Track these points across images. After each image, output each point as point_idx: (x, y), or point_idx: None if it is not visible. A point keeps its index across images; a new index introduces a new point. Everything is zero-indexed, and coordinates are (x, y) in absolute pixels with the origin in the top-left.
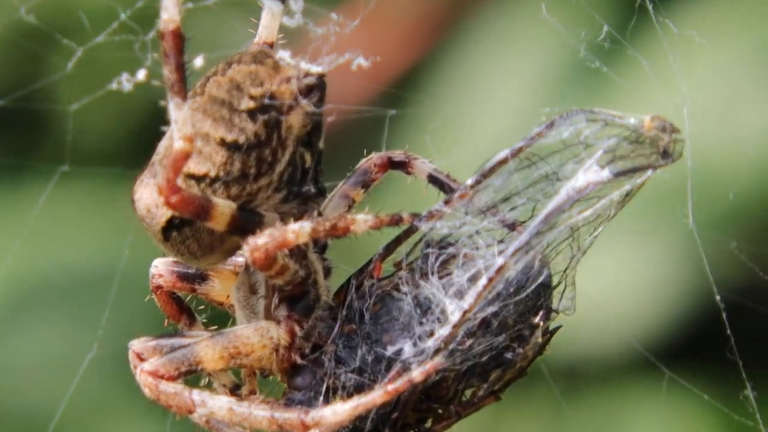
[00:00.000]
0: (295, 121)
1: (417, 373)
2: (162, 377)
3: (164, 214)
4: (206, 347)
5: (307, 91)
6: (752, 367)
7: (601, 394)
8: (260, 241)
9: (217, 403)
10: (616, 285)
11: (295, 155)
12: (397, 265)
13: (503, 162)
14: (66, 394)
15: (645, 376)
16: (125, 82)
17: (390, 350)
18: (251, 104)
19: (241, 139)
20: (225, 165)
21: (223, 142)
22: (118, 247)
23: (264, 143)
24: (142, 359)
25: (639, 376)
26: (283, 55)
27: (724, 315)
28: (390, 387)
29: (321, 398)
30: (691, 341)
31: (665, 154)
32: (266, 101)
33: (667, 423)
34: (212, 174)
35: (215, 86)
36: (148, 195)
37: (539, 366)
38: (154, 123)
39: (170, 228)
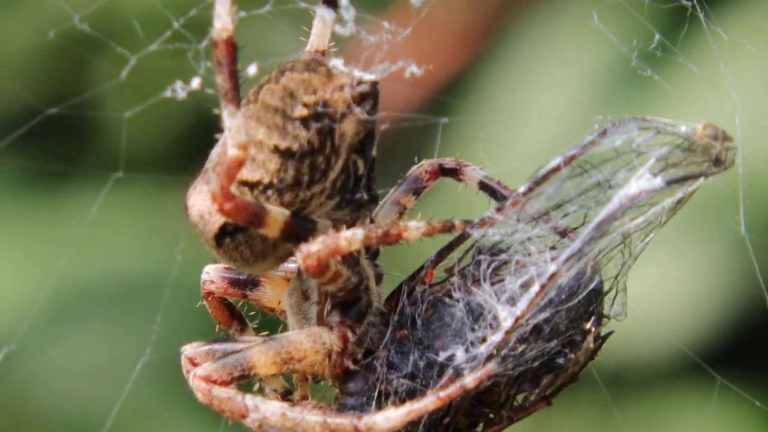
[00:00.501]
0: (348, 128)
1: (469, 380)
2: (215, 382)
3: (217, 220)
4: (259, 352)
5: (360, 99)
6: None
7: (650, 400)
8: (313, 248)
9: (270, 408)
10: (667, 291)
11: (348, 162)
12: (449, 272)
13: (556, 170)
14: (117, 399)
15: (695, 382)
16: (179, 90)
17: (442, 356)
18: (304, 112)
19: (295, 147)
20: (278, 172)
21: (276, 150)
22: (170, 254)
23: (317, 151)
24: (194, 364)
25: (688, 382)
26: (337, 62)
27: None
28: (442, 393)
29: (373, 403)
30: (742, 347)
31: (717, 162)
32: (319, 109)
33: (716, 429)
34: (266, 181)
35: (269, 94)
36: (202, 202)
37: (589, 370)
38: (206, 131)
39: (223, 234)
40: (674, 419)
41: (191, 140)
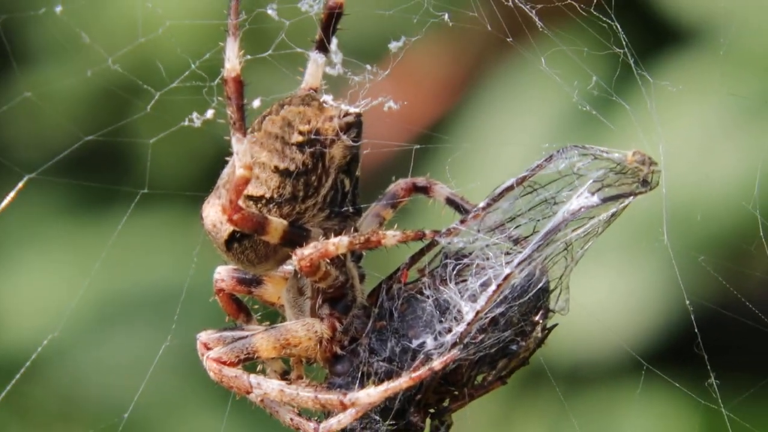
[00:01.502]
0: (336, 152)
1: (437, 363)
2: (224, 363)
3: (227, 229)
4: (261, 339)
5: (346, 128)
6: (716, 360)
7: (599, 394)
8: (306, 251)
9: (270, 386)
10: (607, 296)
11: (337, 181)
12: (421, 272)
13: (510, 189)
14: (149, 389)
15: (632, 373)
16: (195, 120)
17: (415, 343)
18: (300, 138)
19: (292, 167)
20: (278, 188)
21: (276, 170)
22: (200, 265)
23: (311, 171)
24: (208, 348)
25: (627, 373)
26: (327, 98)
27: (692, 316)
28: (414, 374)
29: (357, 383)
30: (668, 340)
31: (645, 183)
32: (313, 136)
33: (650, 411)
34: (268, 196)
35: (270, 123)
36: (214, 213)
37: (544, 369)
38: (219, 155)
39: (232, 240)
40: (619, 410)
41: (208, 163)
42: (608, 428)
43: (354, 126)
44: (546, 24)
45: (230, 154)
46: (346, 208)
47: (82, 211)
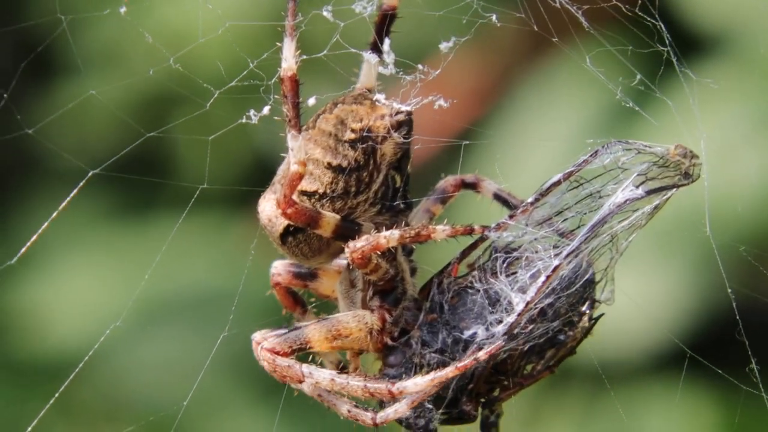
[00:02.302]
0: (387, 149)
1: (482, 353)
2: (278, 353)
3: (282, 223)
4: (314, 330)
5: (397, 126)
6: (757, 347)
7: (639, 380)
8: (358, 244)
9: (322, 375)
10: (651, 288)
11: (388, 177)
12: (471, 267)
13: (557, 184)
14: (190, 389)
15: (676, 362)
16: (253, 117)
17: (466, 334)
18: (353, 136)
19: (345, 164)
20: (331, 184)
21: (330, 166)
22: (234, 270)
23: (363, 167)
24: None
25: (670, 363)
26: (379, 96)
27: (734, 304)
28: (460, 364)
29: (411, 374)
30: (710, 328)
31: (686, 176)
32: (365, 133)
33: (690, 400)
34: (321, 191)
35: (324, 121)
36: (270, 208)
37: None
38: (274, 152)
39: (287, 234)
40: (659, 401)
41: (245, 167)
42: (646, 422)
43: (405, 124)
44: (591, 24)
45: (285, 151)
46: (397, 204)
47: (129, 213)
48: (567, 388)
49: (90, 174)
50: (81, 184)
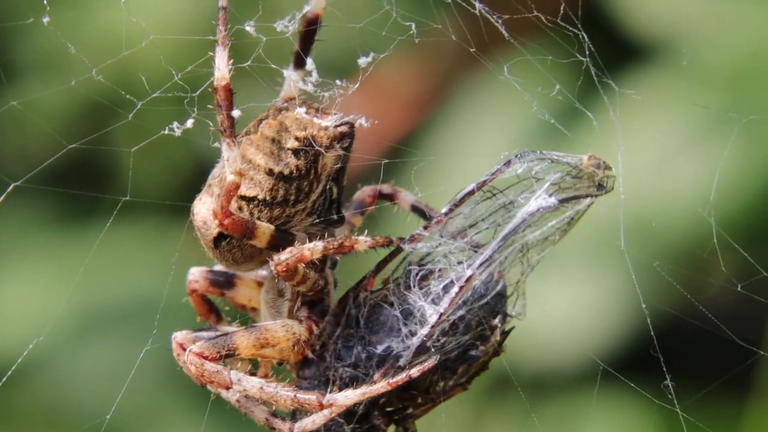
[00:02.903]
0: (329, 160)
1: (414, 371)
2: (206, 358)
3: (217, 227)
4: (242, 336)
5: (340, 137)
6: (672, 363)
7: (561, 395)
8: (282, 257)
9: (251, 383)
10: (568, 302)
11: (326, 188)
12: (386, 282)
13: (471, 193)
14: (128, 395)
15: (595, 378)
16: (176, 129)
17: (379, 348)
18: (296, 144)
19: (286, 171)
20: (272, 191)
21: (271, 172)
22: (163, 278)
23: (303, 176)
24: (183, 348)
25: (590, 378)
26: (300, 110)
27: (648, 320)
28: (392, 380)
29: (323, 387)
30: (627, 344)
31: (600, 187)
32: (308, 143)
33: (610, 414)
34: (260, 197)
35: (267, 127)
36: (205, 210)
37: (509, 374)
38: (199, 167)
39: (220, 239)
40: (582, 414)
41: (187, 175)
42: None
43: (347, 136)
44: (512, 34)
45: (213, 162)
46: (331, 215)
47: (66, 221)
48: (506, 396)
49: (11, 186)
50: (2, 197)
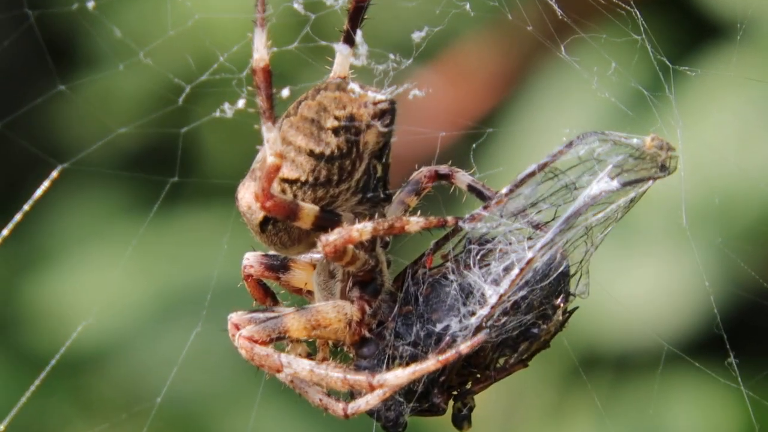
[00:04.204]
0: (370, 138)
1: (464, 347)
2: (256, 342)
3: (259, 209)
4: (293, 319)
5: (380, 114)
6: (737, 341)
7: (638, 379)
8: (330, 238)
9: (301, 365)
10: (636, 283)
11: (369, 166)
12: (445, 257)
13: (531, 174)
14: (206, 381)
15: (663, 359)
16: (227, 110)
17: (438, 327)
18: (335, 123)
19: (327, 151)
20: (313, 172)
21: (312, 153)
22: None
23: (345, 155)
24: (238, 329)
25: (657, 360)
26: (354, 86)
27: (711, 297)
28: (441, 357)
29: (383, 366)
30: (692, 323)
31: (663, 168)
32: (347, 122)
33: (682, 396)
34: (303, 179)
35: (306, 108)
36: (249, 195)
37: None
38: (254, 143)
39: (266, 222)
40: (657, 396)
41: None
42: (649, 415)
43: (387, 113)
44: (566, 12)
45: (261, 142)
46: (377, 194)
47: (142, 207)
48: (589, 378)
49: (59, 168)
50: (53, 174)
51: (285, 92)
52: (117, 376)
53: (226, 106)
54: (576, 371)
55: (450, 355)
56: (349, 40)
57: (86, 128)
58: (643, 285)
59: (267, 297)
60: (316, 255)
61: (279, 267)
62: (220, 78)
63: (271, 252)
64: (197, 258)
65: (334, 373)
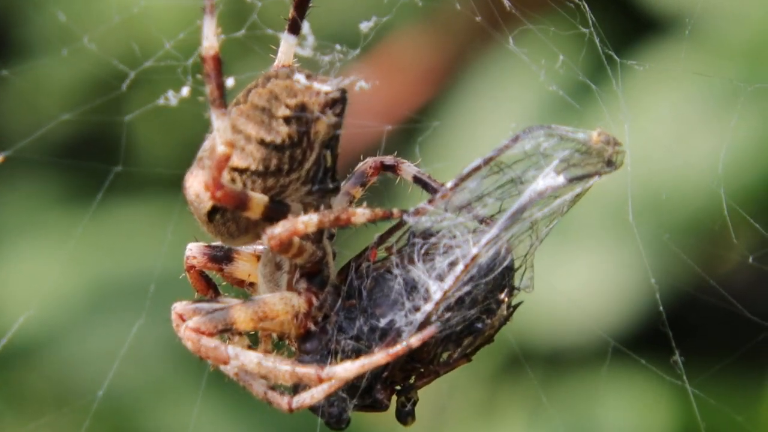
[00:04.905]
0: (321, 128)
1: (414, 339)
2: (203, 333)
3: (209, 199)
4: (240, 310)
5: (332, 104)
6: (682, 339)
7: (573, 373)
8: (276, 231)
9: (248, 357)
10: (578, 278)
11: (320, 156)
12: (389, 251)
13: (477, 168)
14: (139, 374)
15: (606, 355)
16: (171, 98)
17: (382, 321)
18: (286, 112)
19: (278, 140)
20: (263, 161)
21: (262, 142)
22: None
23: (296, 144)
24: (183, 319)
25: (601, 356)
26: (299, 76)
27: (657, 294)
28: (391, 351)
29: (327, 361)
30: (637, 320)
31: (610, 163)
32: (299, 110)
33: (621, 391)
34: (253, 168)
35: (257, 96)
36: (197, 183)
37: (522, 353)
38: (197, 132)
39: (214, 212)
40: (594, 391)
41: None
42: (585, 410)
43: (339, 102)
44: (515, 5)
45: (209, 131)
46: (326, 184)
47: (74, 198)
48: (519, 375)
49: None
50: None
51: (230, 82)
52: (49, 369)
53: (170, 93)
54: (509, 366)
55: (400, 348)
56: (295, 29)
57: (24, 115)
58: (583, 279)
59: (209, 289)
60: (260, 246)
61: (222, 258)
62: (165, 65)
63: (215, 243)
64: (137, 249)
65: (283, 366)
